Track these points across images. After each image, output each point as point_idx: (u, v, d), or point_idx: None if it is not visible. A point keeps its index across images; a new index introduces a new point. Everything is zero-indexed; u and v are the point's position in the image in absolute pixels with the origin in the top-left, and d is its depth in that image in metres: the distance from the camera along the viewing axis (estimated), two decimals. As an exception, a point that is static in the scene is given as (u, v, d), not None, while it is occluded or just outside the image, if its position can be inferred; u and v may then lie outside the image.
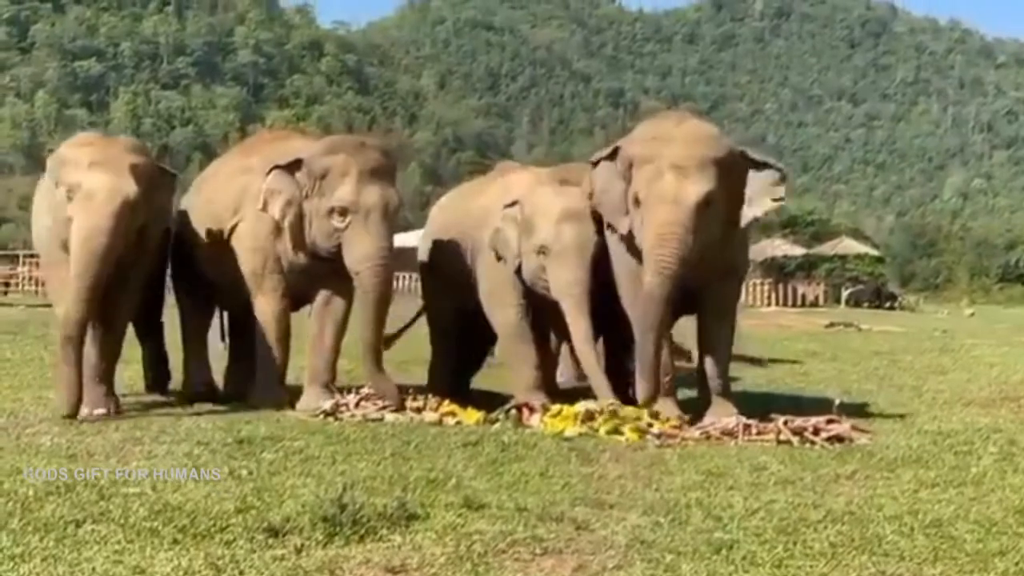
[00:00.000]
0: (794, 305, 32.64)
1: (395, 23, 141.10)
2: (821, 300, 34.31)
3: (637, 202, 6.45)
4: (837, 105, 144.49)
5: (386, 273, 6.92)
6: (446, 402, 6.86)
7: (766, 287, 33.69)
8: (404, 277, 21.03)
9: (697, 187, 6.30)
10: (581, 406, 6.51)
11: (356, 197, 6.85)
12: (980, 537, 3.97)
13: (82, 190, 6.55)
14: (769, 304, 31.61)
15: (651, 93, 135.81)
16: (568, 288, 6.86)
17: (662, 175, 6.34)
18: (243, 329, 7.65)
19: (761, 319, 20.04)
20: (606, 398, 6.58)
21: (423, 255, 8.15)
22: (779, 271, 37.48)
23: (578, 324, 6.84)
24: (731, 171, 6.48)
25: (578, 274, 6.85)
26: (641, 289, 6.46)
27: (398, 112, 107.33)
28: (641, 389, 6.42)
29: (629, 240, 6.62)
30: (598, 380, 6.82)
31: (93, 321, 6.63)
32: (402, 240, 8.77)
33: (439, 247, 7.95)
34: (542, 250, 6.95)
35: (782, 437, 6.12)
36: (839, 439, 6.11)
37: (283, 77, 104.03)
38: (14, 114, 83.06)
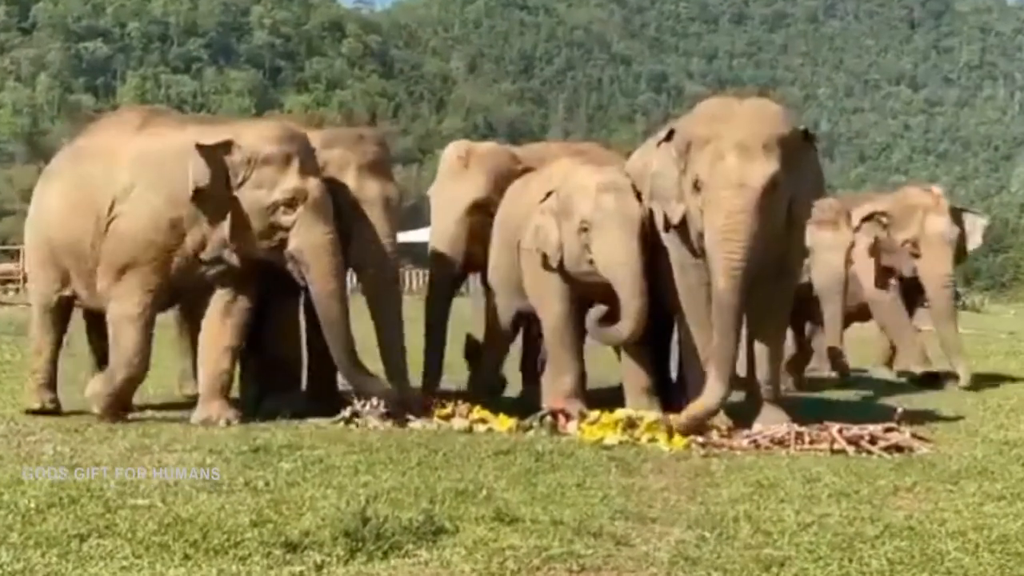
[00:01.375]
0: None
1: (422, 2, 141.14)
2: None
3: (696, 187, 6.35)
4: (896, 90, 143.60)
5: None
6: (477, 408, 6.87)
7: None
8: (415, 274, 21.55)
9: (764, 168, 6.21)
10: (622, 413, 6.51)
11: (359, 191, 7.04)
12: (1051, 555, 3.94)
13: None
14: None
15: (696, 77, 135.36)
16: (617, 258, 6.74)
17: (724, 156, 6.26)
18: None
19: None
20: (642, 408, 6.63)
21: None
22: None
23: (631, 303, 6.70)
24: (796, 153, 6.42)
25: (627, 243, 6.74)
26: (694, 283, 6.46)
27: (425, 97, 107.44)
28: (715, 389, 6.29)
29: (683, 230, 6.57)
30: (637, 396, 6.90)
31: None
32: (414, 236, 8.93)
33: (496, 247, 7.96)
34: (584, 226, 6.88)
35: (836, 446, 6.10)
36: (898, 449, 6.08)
37: (302, 60, 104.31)
38: (15, 99, 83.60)
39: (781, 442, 6.19)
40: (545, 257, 7.14)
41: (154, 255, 6.79)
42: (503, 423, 6.69)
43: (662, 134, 6.74)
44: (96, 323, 7.43)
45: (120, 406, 6.86)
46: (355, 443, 6.03)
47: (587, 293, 7.04)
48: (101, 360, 7.44)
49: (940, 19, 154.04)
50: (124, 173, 6.87)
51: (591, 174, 7.08)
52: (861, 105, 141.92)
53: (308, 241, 6.69)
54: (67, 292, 7.32)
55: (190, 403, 7.25)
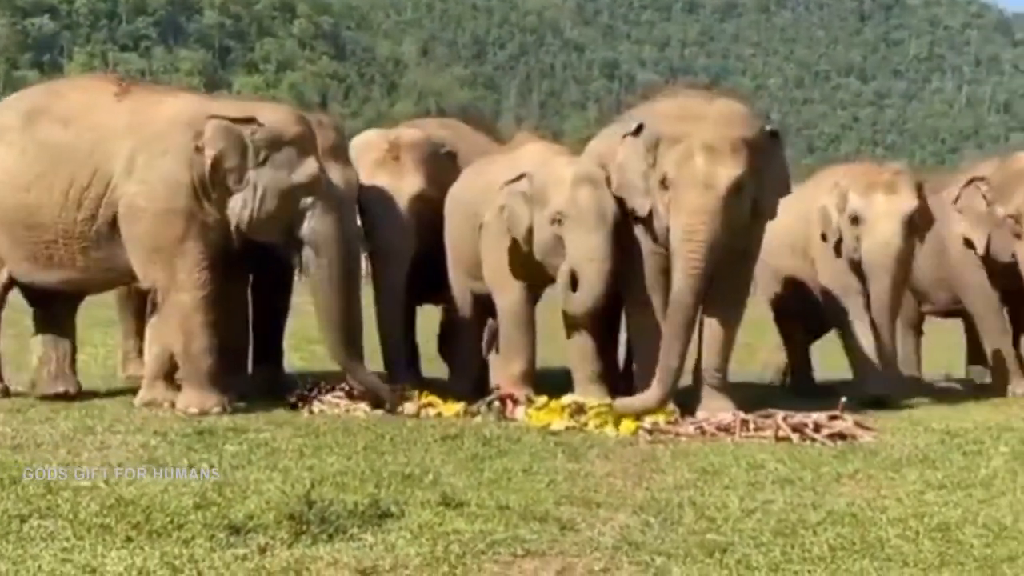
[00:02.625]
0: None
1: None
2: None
3: (664, 184, 6.45)
4: (845, 82, 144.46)
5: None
6: (424, 393, 6.87)
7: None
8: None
9: (730, 170, 6.32)
10: (569, 398, 6.54)
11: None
12: (989, 542, 3.99)
13: None
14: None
15: (648, 65, 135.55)
16: (589, 254, 6.73)
17: (692, 157, 6.35)
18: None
19: (756, 308, 20.00)
20: (590, 395, 6.64)
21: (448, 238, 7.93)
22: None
23: (593, 289, 6.69)
24: (763, 153, 6.52)
25: (600, 240, 6.73)
26: (655, 271, 6.59)
27: (376, 80, 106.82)
28: (656, 393, 6.39)
29: (649, 222, 6.63)
30: (585, 382, 6.87)
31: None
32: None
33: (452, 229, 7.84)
34: (557, 217, 6.86)
35: (781, 433, 6.15)
36: (842, 436, 6.15)
37: (252, 40, 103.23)
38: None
39: (726, 429, 6.24)
40: (514, 241, 7.13)
41: (185, 225, 6.47)
42: (451, 408, 6.70)
43: (631, 127, 6.75)
44: (42, 300, 7.13)
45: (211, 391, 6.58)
46: (301, 427, 6.01)
47: (548, 278, 7.04)
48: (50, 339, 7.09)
49: (890, 12, 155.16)
50: (120, 144, 6.54)
51: (567, 164, 7.06)
52: (811, 96, 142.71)
53: (322, 227, 6.61)
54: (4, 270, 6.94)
55: (134, 385, 7.16)
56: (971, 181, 8.47)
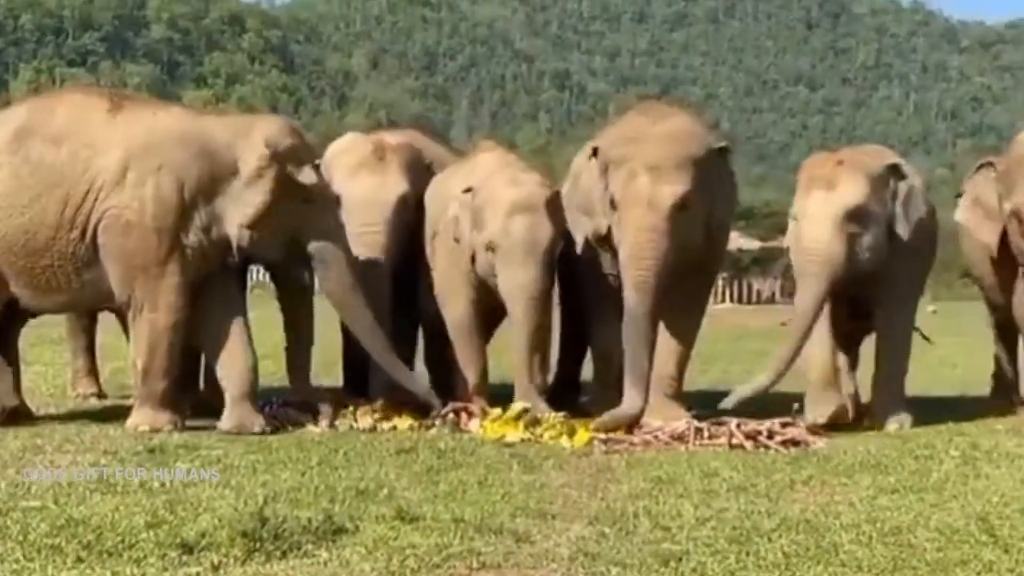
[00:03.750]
0: (749, 302, 32.92)
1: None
2: (778, 295, 34.64)
3: (613, 205, 6.53)
4: (794, 90, 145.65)
5: None
6: (380, 405, 6.84)
7: (720, 283, 33.95)
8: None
9: (674, 188, 6.37)
10: (519, 407, 6.54)
11: None
12: (941, 546, 4.03)
13: None
14: (723, 301, 31.91)
15: (599, 75, 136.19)
16: (517, 286, 6.76)
17: (636, 177, 6.41)
18: None
19: (713, 317, 20.12)
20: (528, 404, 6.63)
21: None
22: (734, 266, 37.75)
23: (522, 329, 6.79)
24: (711, 169, 6.56)
25: (529, 272, 6.75)
26: (612, 290, 6.67)
27: (327, 93, 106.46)
28: (634, 400, 6.42)
29: (607, 241, 6.68)
30: (525, 391, 6.83)
31: None
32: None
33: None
34: (491, 246, 6.84)
35: (735, 441, 6.19)
36: (795, 443, 6.19)
37: (201, 54, 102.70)
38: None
39: (680, 437, 6.27)
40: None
41: (170, 245, 6.36)
42: (405, 421, 6.68)
43: (589, 148, 6.87)
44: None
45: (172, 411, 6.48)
46: (254, 443, 5.98)
47: (492, 294, 7.01)
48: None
49: (837, 20, 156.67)
50: (110, 159, 6.38)
51: (506, 186, 6.97)
52: (760, 105, 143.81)
53: (326, 237, 6.58)
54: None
55: (84, 405, 7.08)
56: (982, 166, 7.42)
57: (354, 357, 7.43)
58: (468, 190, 7.03)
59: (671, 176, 6.39)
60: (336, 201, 6.86)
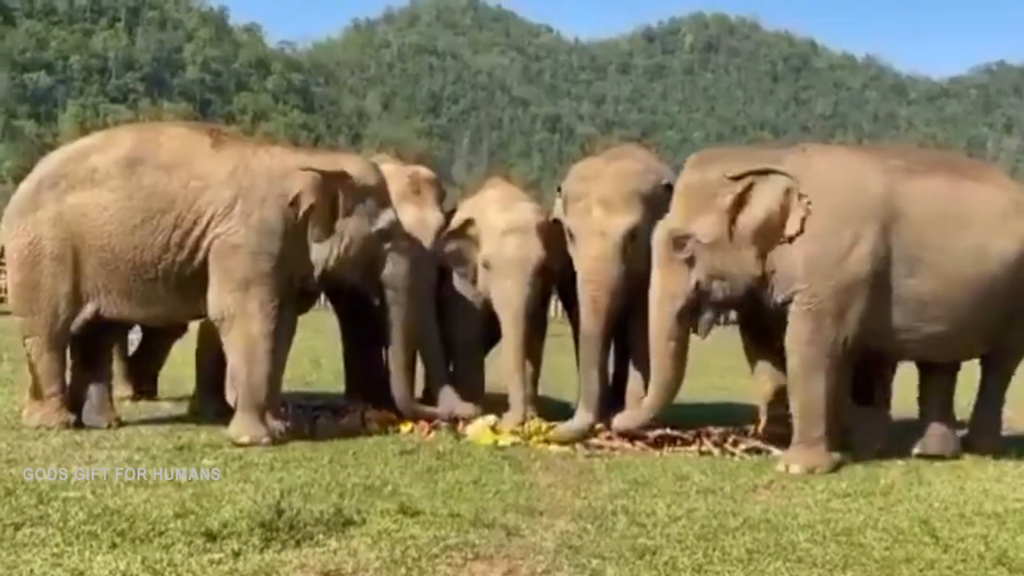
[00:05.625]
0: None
1: (341, 45, 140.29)
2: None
3: (571, 237, 6.57)
4: (760, 135, 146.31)
5: None
6: (386, 411, 6.81)
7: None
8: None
9: (623, 220, 6.39)
10: (483, 421, 6.51)
11: None
12: (888, 545, 4.04)
13: None
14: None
15: (586, 119, 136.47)
16: (507, 301, 6.78)
17: (590, 210, 6.46)
18: None
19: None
20: (520, 415, 6.59)
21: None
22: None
23: (509, 337, 6.80)
24: (661, 203, 6.53)
25: (518, 288, 6.78)
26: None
27: (342, 131, 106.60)
28: (584, 418, 6.38)
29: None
30: (516, 396, 6.77)
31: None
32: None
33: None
34: (486, 263, 6.90)
35: (704, 448, 6.19)
36: (757, 451, 6.19)
37: (230, 94, 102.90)
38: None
39: (655, 444, 6.26)
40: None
41: (270, 267, 6.26)
42: (407, 425, 6.66)
43: (557, 188, 6.93)
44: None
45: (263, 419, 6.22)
46: (272, 443, 5.96)
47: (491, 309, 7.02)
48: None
49: (799, 74, 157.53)
50: (220, 193, 6.32)
51: (501, 212, 7.03)
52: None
53: (400, 270, 6.58)
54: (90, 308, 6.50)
55: (121, 407, 7.02)
56: None
57: (376, 372, 7.30)
58: (467, 222, 7.07)
59: (621, 209, 6.43)
60: (408, 238, 6.80)
